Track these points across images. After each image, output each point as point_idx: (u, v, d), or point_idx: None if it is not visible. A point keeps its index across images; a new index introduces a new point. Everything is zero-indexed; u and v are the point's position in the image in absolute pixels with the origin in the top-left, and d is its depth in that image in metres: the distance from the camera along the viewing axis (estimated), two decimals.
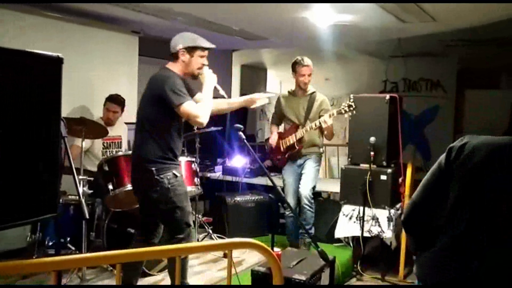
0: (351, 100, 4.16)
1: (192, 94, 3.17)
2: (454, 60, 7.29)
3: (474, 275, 1.59)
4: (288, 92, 4.67)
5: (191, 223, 3.11)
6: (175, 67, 3.10)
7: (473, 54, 6.90)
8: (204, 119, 2.95)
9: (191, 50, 3.06)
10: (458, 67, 7.41)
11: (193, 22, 4.91)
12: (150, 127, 3.03)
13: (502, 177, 1.60)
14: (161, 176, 2.97)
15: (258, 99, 3.47)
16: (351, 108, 4.13)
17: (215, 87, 3.16)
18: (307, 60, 4.41)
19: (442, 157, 1.75)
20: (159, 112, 2.99)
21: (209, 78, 3.11)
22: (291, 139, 4.44)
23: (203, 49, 3.10)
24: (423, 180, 1.84)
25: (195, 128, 4.41)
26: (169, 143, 3.02)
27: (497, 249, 1.58)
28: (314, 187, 4.50)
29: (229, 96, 3.94)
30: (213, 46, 3.14)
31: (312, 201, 4.47)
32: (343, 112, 4.15)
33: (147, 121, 3.04)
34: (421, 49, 6.92)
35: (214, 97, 3.20)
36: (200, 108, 2.98)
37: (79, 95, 4.53)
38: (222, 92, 3.21)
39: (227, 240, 2.06)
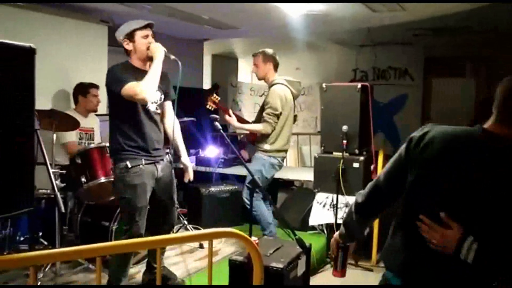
0: (324, 89, 4.19)
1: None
2: (421, 48, 7.44)
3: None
4: None
5: (137, 218, 3.03)
6: (131, 59, 3.13)
7: (439, 42, 7.06)
8: (145, 94, 2.89)
9: (130, 36, 3.06)
10: (425, 56, 7.57)
11: (162, 11, 4.84)
12: (111, 118, 3.14)
13: (456, 167, 1.61)
14: (116, 165, 3.08)
15: None
16: None
17: (167, 57, 3.07)
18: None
19: (403, 146, 1.78)
20: (113, 104, 3.10)
21: (157, 51, 3.02)
22: None
23: (141, 28, 3.05)
24: (385, 168, 1.90)
25: None
26: (128, 133, 3.05)
27: None
28: None
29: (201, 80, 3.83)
30: (148, 21, 3.08)
31: None
32: None
33: (110, 112, 3.17)
34: (390, 38, 7.03)
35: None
36: (140, 84, 2.91)
37: (47, 86, 4.40)
38: (173, 57, 3.08)
39: (208, 230, 2.06)
